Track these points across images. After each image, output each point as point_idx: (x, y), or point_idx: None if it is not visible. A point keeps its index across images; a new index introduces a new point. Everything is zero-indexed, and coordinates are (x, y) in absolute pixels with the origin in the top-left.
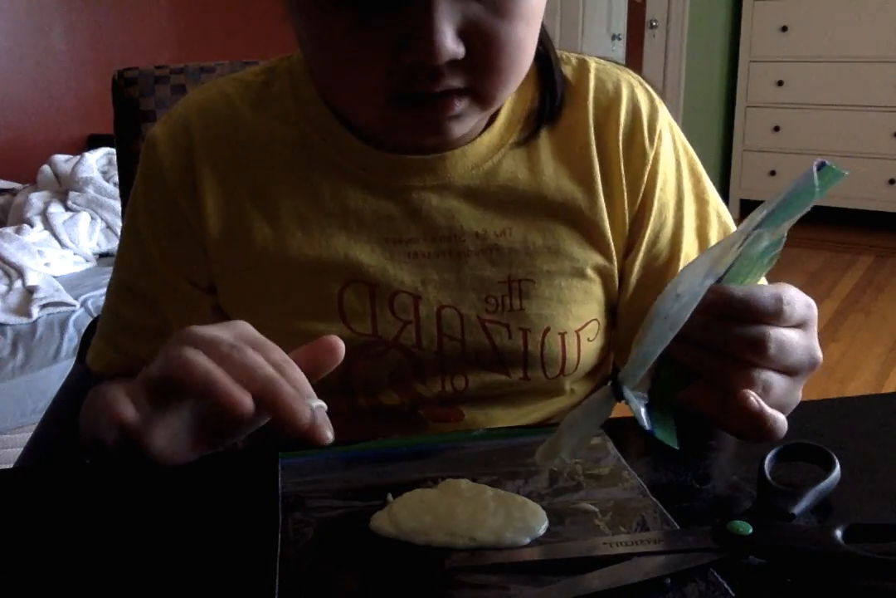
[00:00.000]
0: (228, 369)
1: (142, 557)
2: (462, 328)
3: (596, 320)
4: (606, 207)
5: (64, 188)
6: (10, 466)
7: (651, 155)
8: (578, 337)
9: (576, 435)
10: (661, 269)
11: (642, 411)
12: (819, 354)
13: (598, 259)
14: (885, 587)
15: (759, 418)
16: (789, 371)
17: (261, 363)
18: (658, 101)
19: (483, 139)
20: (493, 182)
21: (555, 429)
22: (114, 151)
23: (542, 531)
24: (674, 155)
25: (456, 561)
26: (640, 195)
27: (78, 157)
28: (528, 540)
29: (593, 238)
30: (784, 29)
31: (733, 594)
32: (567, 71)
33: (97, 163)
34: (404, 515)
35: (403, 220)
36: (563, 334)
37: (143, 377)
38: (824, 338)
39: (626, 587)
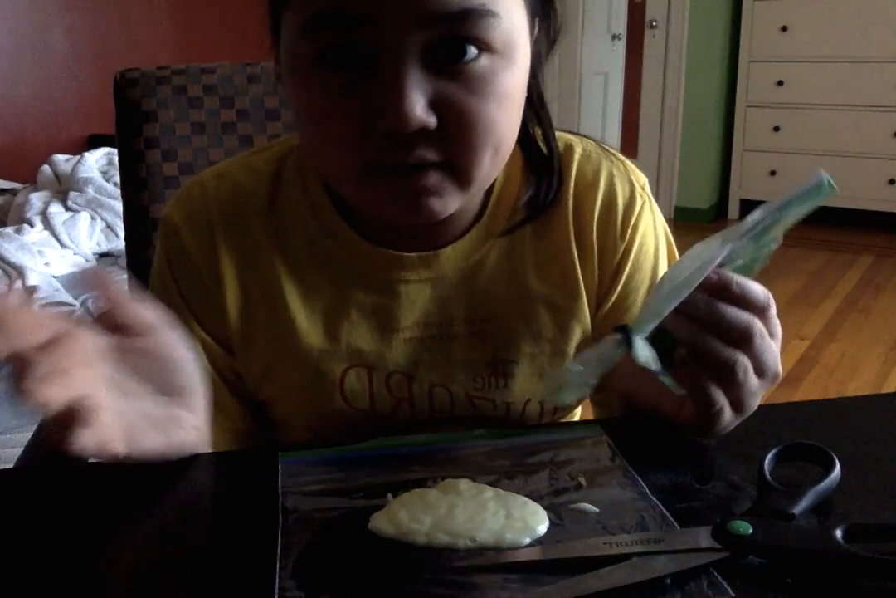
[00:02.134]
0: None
1: (142, 557)
2: (452, 404)
3: None
4: (585, 290)
5: (64, 188)
6: (10, 466)
7: (620, 249)
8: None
9: (582, 378)
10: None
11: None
12: (780, 369)
13: (577, 336)
14: (885, 587)
15: (701, 394)
16: (760, 371)
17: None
18: (639, 190)
19: (472, 234)
20: (480, 273)
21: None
22: (114, 150)
23: (542, 530)
24: (653, 241)
25: (456, 561)
26: (609, 281)
27: (78, 157)
28: (528, 540)
29: (574, 320)
30: (784, 29)
31: (733, 594)
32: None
33: (97, 163)
34: (404, 515)
35: (401, 310)
36: (542, 402)
37: None
38: (824, 338)
39: (626, 587)
